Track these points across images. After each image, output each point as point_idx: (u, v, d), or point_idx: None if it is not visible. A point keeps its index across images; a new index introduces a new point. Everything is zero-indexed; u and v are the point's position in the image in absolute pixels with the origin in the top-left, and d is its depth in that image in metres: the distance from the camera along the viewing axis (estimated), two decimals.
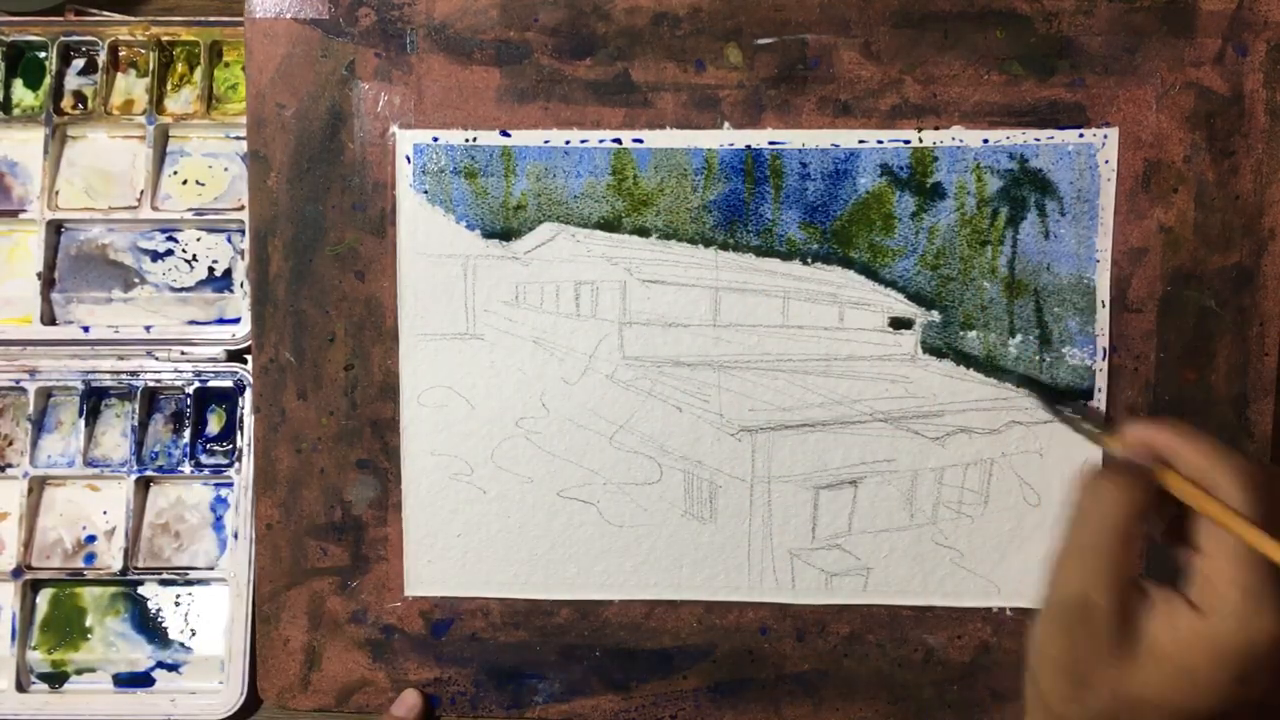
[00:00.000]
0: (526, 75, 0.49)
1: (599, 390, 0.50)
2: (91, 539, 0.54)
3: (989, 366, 0.49)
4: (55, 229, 0.54)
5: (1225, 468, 0.35)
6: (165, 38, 0.54)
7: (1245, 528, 0.34)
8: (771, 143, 0.49)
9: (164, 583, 0.53)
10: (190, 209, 0.53)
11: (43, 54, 0.54)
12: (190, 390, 0.53)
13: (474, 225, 0.49)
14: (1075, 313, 0.49)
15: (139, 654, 0.53)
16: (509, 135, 0.49)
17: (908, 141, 0.48)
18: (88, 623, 0.53)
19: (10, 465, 0.53)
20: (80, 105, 0.54)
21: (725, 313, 0.49)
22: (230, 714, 0.51)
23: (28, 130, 0.54)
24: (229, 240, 0.54)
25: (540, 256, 0.49)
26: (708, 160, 0.49)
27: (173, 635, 0.53)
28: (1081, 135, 0.48)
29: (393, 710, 0.50)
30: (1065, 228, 0.48)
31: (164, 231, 0.54)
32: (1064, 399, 0.48)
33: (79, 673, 0.53)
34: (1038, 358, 0.49)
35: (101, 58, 0.54)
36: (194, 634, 0.53)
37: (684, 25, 0.48)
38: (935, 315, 0.49)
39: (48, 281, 0.54)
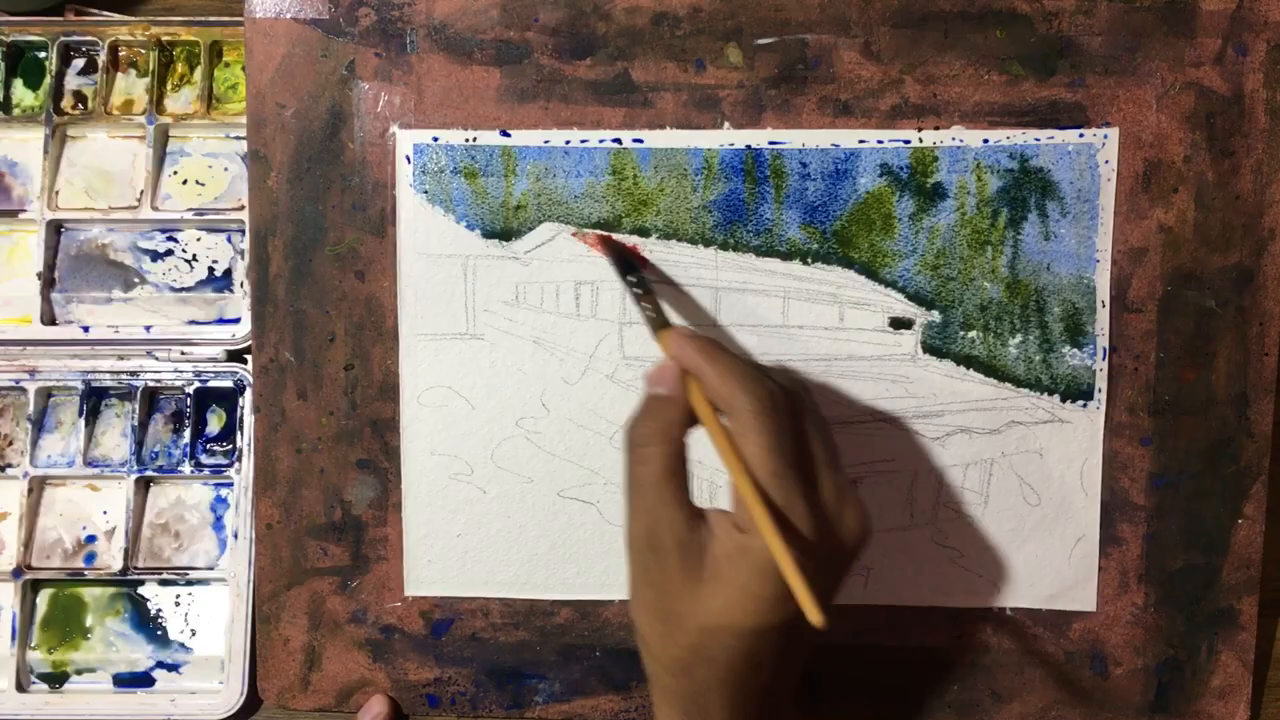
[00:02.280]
0: (526, 75, 0.49)
1: (599, 390, 0.50)
2: (91, 539, 0.54)
3: (989, 367, 0.49)
4: (55, 229, 0.54)
5: (741, 392, 0.36)
6: (165, 38, 0.54)
7: (739, 473, 0.35)
8: (772, 143, 0.49)
9: (164, 583, 0.53)
10: (190, 209, 0.53)
11: (43, 54, 0.54)
12: (190, 390, 0.53)
13: (474, 225, 0.49)
14: (1075, 313, 0.49)
15: (139, 654, 0.53)
16: (509, 135, 0.49)
17: (908, 141, 0.48)
18: (88, 623, 0.53)
19: (10, 465, 0.53)
20: (80, 105, 0.54)
21: (725, 313, 0.49)
22: (230, 714, 0.51)
23: (28, 130, 0.54)
24: (229, 240, 0.54)
25: (540, 256, 0.49)
26: (707, 160, 0.49)
27: (173, 635, 0.53)
28: (1082, 135, 0.48)
29: (359, 717, 0.50)
30: (1065, 228, 0.48)
31: (164, 231, 0.54)
32: (630, 269, 0.47)
33: (79, 673, 0.53)
34: (1038, 357, 0.49)
35: (101, 58, 0.54)
36: (194, 634, 0.53)
37: (684, 25, 0.48)
38: (935, 315, 0.49)
39: (48, 281, 0.54)
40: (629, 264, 0.47)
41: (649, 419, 0.38)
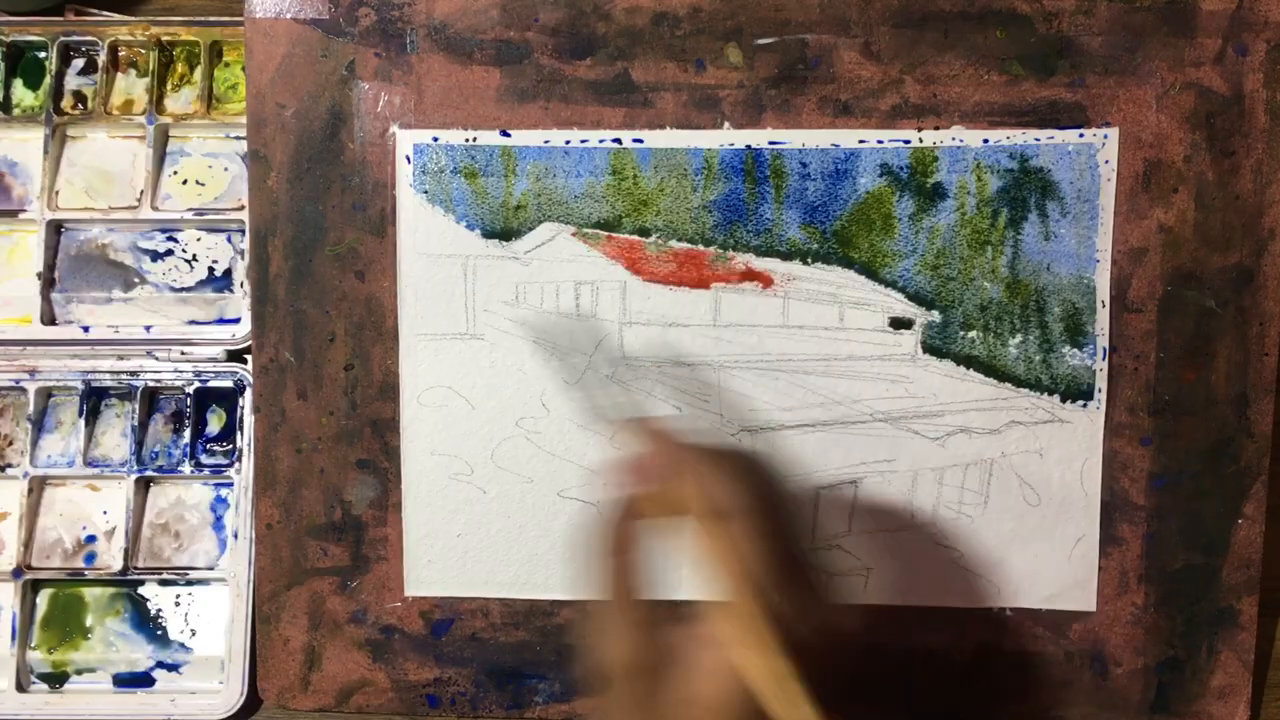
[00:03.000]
0: (526, 75, 0.49)
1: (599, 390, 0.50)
2: (91, 539, 0.54)
3: (989, 367, 0.49)
4: (55, 229, 0.54)
5: (732, 504, 0.34)
6: (165, 38, 0.54)
7: (740, 587, 0.33)
8: (772, 143, 0.49)
9: (164, 583, 0.53)
10: (190, 209, 0.53)
11: (43, 54, 0.54)
12: (190, 390, 0.53)
13: (474, 225, 0.49)
14: (1075, 313, 0.49)
15: (139, 654, 0.53)
16: (509, 135, 0.49)
17: (908, 141, 0.48)
18: (88, 623, 0.53)
19: (10, 465, 0.53)
20: (80, 105, 0.54)
21: (725, 313, 0.49)
22: (230, 714, 0.51)
23: (28, 130, 0.54)
24: (229, 240, 0.54)
25: (540, 256, 0.49)
26: (707, 160, 0.49)
27: (173, 635, 0.53)
28: (1082, 135, 0.48)
29: None
30: (1065, 228, 0.48)
31: (164, 231, 0.54)
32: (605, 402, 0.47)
33: (79, 673, 0.53)
34: (1038, 357, 0.49)
35: (101, 58, 0.54)
36: (194, 634, 0.53)
37: (684, 25, 0.48)
38: (935, 315, 0.49)
39: (48, 281, 0.54)
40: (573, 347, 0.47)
41: (618, 525, 0.36)
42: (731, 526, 0.34)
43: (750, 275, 0.49)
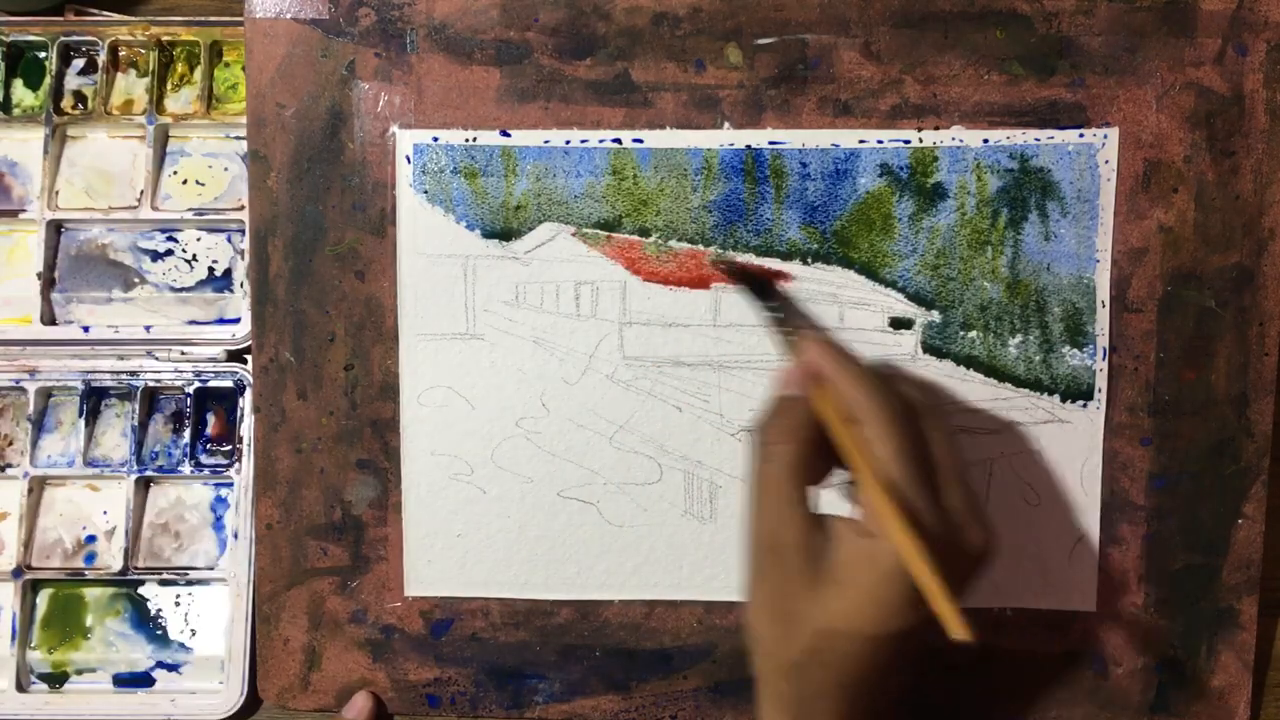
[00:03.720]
0: (526, 75, 0.49)
1: (599, 390, 0.50)
2: (91, 539, 0.54)
3: (989, 367, 0.49)
4: (55, 229, 0.54)
5: (872, 401, 0.36)
6: (165, 38, 0.53)
7: (868, 477, 0.35)
8: (772, 143, 0.49)
9: (164, 583, 0.53)
10: (190, 209, 0.53)
11: (43, 54, 0.54)
12: (190, 390, 0.53)
13: (474, 225, 0.49)
14: (1075, 313, 0.49)
15: (139, 654, 0.53)
16: (509, 135, 0.49)
17: (908, 141, 0.48)
18: (88, 623, 0.53)
19: (10, 465, 0.53)
20: (80, 105, 0.54)
21: (725, 313, 0.49)
22: (230, 714, 0.51)
23: (28, 130, 0.54)
24: (229, 240, 0.54)
25: (540, 256, 0.49)
26: (707, 160, 0.49)
27: (173, 635, 0.53)
28: (1081, 135, 0.48)
29: (344, 713, 0.50)
30: (1065, 228, 0.48)
31: (164, 231, 0.54)
32: (769, 295, 0.47)
33: (79, 673, 0.53)
34: (1038, 357, 0.49)
35: (101, 58, 0.54)
36: (194, 634, 0.53)
37: (684, 25, 0.48)
38: (935, 315, 0.49)
39: (48, 281, 0.54)
40: (766, 291, 0.47)
41: (778, 418, 0.38)
42: (867, 426, 0.36)
43: None
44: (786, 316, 0.46)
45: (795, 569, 0.36)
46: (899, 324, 0.49)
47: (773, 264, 0.49)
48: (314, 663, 0.51)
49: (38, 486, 0.54)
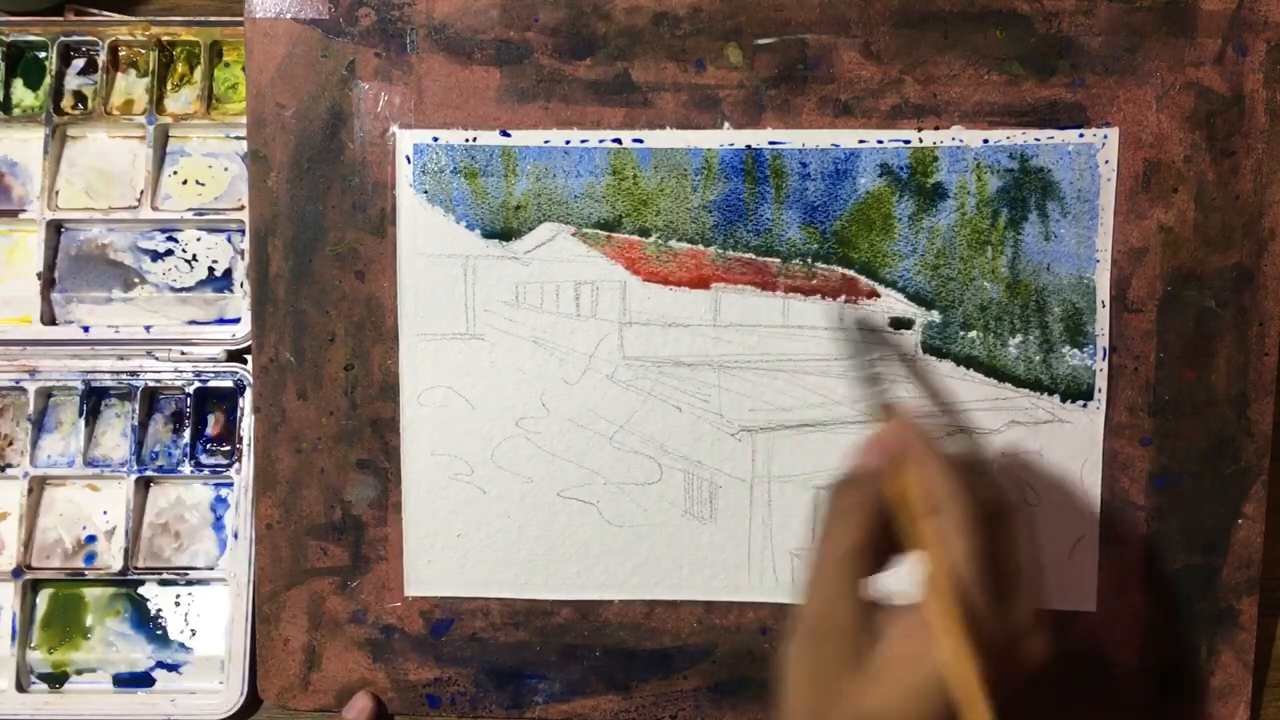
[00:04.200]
0: (526, 75, 0.49)
1: (599, 390, 0.50)
2: (91, 539, 0.54)
3: (989, 367, 0.49)
4: (55, 229, 0.54)
5: (951, 499, 0.35)
6: (165, 38, 0.54)
7: (939, 574, 0.34)
8: (772, 143, 0.49)
9: (164, 583, 0.53)
10: (190, 209, 0.53)
11: (43, 54, 0.54)
12: (190, 390, 0.53)
13: (474, 225, 0.49)
14: (1075, 313, 0.49)
15: (139, 654, 0.53)
16: (509, 135, 0.49)
17: (908, 141, 0.48)
18: (88, 623, 0.53)
19: (10, 465, 0.53)
20: (80, 105, 0.54)
21: (725, 313, 0.49)
22: (230, 714, 0.51)
23: (28, 130, 0.54)
24: (229, 240, 0.54)
25: (540, 256, 0.49)
26: (707, 160, 0.49)
27: (173, 635, 0.53)
28: (1081, 135, 0.48)
29: (344, 713, 0.50)
30: (1065, 228, 0.48)
31: (164, 231, 0.54)
32: (871, 351, 0.47)
33: (79, 673, 0.53)
34: (1038, 357, 0.49)
35: (101, 58, 0.54)
36: (194, 634, 0.53)
37: (684, 25, 0.48)
38: (935, 315, 0.49)
39: (48, 281, 0.54)
40: (873, 342, 0.47)
41: (856, 487, 0.37)
42: (944, 520, 0.35)
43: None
44: (880, 378, 0.45)
45: (842, 651, 0.35)
46: (899, 324, 0.49)
47: (772, 264, 0.49)
48: (314, 663, 0.51)
49: (38, 486, 0.54)
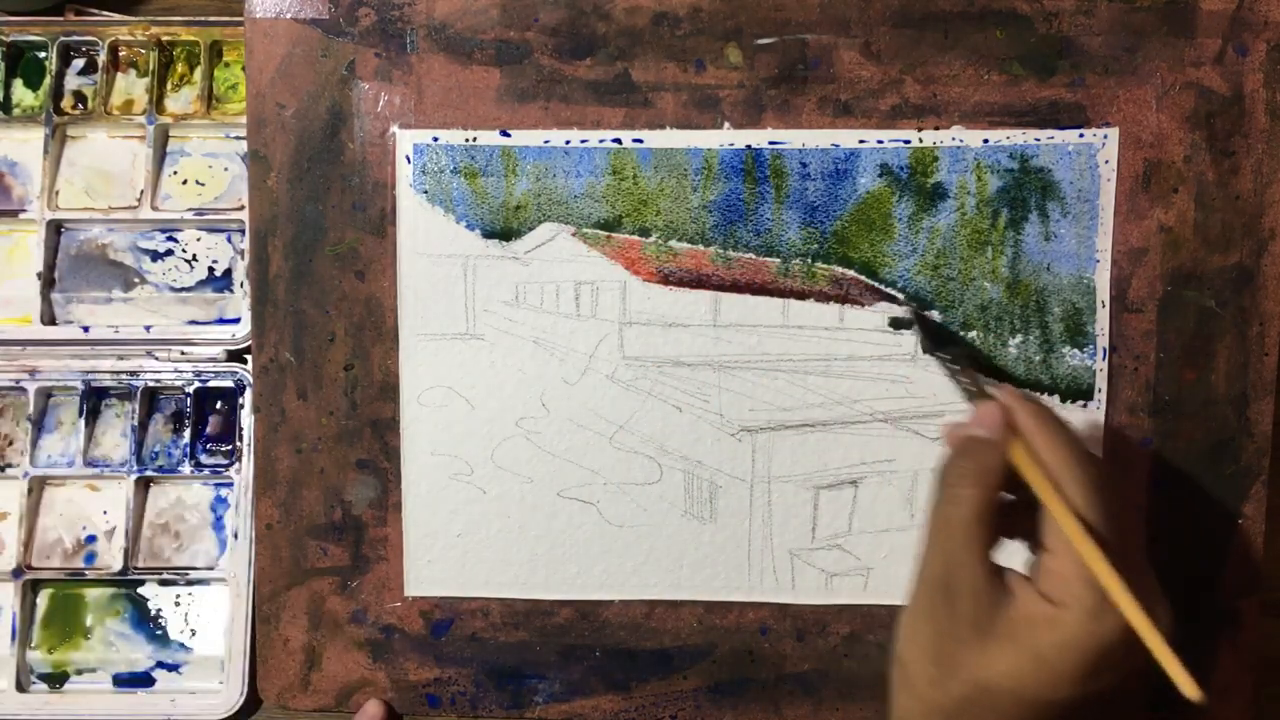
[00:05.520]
0: (526, 75, 0.49)
1: (599, 390, 0.50)
2: (91, 539, 0.54)
3: (989, 367, 0.49)
4: (55, 229, 0.54)
5: (1073, 461, 0.35)
6: (165, 38, 0.54)
7: (1080, 534, 0.34)
8: (772, 143, 0.49)
9: (164, 583, 0.53)
10: (190, 209, 0.53)
11: (43, 54, 0.54)
12: (190, 390, 0.53)
13: (474, 225, 0.49)
14: (1075, 313, 0.49)
15: (139, 654, 0.53)
16: (509, 135, 0.49)
17: (908, 141, 0.48)
18: (88, 623, 0.53)
19: (10, 465, 0.53)
20: (80, 105, 0.54)
21: (725, 313, 0.49)
22: (230, 714, 0.51)
23: (28, 130, 0.54)
24: (229, 240, 0.54)
25: (540, 256, 0.49)
26: (707, 160, 0.49)
27: (173, 635, 0.53)
28: (1082, 135, 0.48)
29: None
30: (1065, 228, 0.48)
31: (164, 231, 0.54)
32: (947, 344, 0.47)
33: (79, 673, 0.53)
34: (1038, 358, 0.49)
35: (101, 58, 0.54)
36: (194, 634, 0.53)
37: (684, 25, 0.48)
38: (935, 316, 0.49)
39: (48, 281, 0.54)
40: (941, 339, 0.47)
41: (967, 459, 0.37)
42: (1077, 484, 0.35)
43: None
44: (965, 368, 0.45)
45: (966, 615, 0.35)
46: (899, 324, 0.49)
47: (772, 264, 0.49)
48: (314, 663, 0.51)
49: (38, 486, 0.54)
